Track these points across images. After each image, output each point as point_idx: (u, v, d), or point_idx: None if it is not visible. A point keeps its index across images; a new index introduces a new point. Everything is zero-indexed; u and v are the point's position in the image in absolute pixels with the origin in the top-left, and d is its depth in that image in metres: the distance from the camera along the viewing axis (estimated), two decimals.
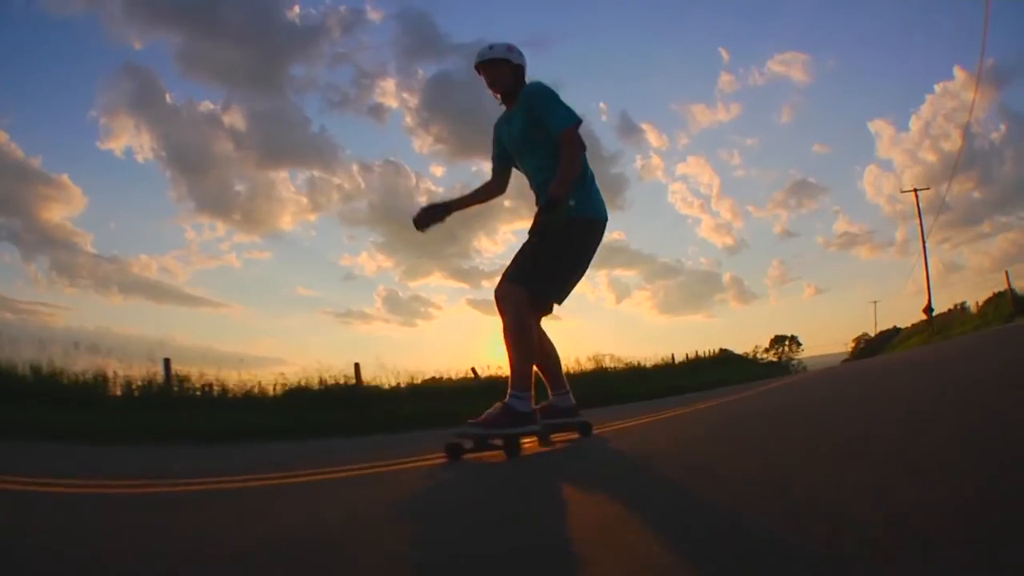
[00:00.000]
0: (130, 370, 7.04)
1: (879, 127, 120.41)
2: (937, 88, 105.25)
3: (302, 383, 8.11)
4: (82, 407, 6.00)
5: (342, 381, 8.47)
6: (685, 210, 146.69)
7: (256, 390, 7.77)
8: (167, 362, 7.13)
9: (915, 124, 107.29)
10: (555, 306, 2.79)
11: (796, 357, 41.33)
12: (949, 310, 26.31)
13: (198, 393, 7.29)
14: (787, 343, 46.76)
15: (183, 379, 7.24)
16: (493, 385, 8.39)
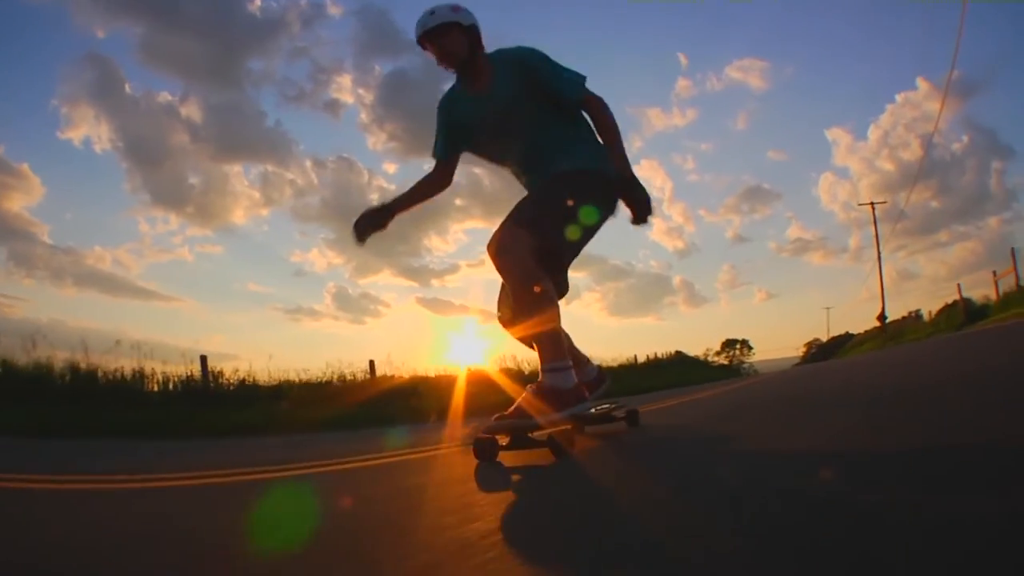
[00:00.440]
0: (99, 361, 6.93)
1: (837, 135, 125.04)
2: (898, 98, 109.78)
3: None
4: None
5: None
6: None
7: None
8: (204, 359, 7.41)
9: (874, 133, 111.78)
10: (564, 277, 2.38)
11: (747, 360, 42.36)
12: (903, 317, 27.49)
13: (231, 388, 7.60)
14: (738, 347, 47.78)
15: (217, 375, 7.55)
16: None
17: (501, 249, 2.12)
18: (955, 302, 18.28)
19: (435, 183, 2.59)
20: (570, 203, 2.21)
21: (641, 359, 17.38)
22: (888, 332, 25.00)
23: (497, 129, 2.39)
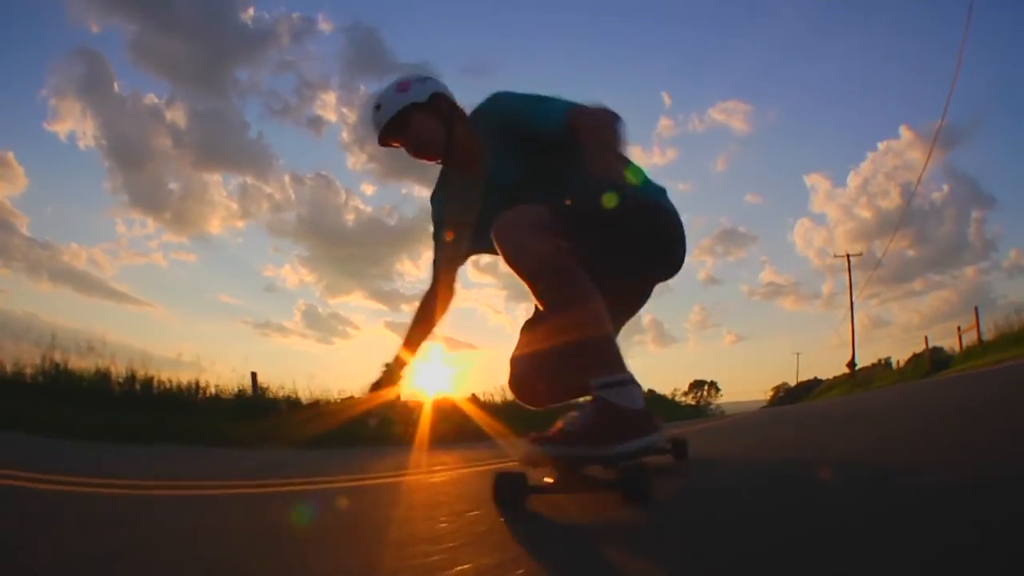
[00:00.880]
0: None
1: (815, 181, 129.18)
2: (880, 146, 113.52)
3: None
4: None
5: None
6: None
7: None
8: (254, 376, 7.83)
9: (853, 180, 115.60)
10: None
11: (714, 402, 42.87)
12: (872, 364, 28.26)
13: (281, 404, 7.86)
14: (706, 387, 48.36)
15: (264, 389, 7.93)
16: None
17: (502, 229, 1.52)
18: (922, 352, 18.97)
19: (442, 300, 1.99)
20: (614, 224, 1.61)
21: None
22: (857, 379, 25.60)
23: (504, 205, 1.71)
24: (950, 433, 2.31)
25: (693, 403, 36.07)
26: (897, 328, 76.32)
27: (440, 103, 1.81)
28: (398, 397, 1.91)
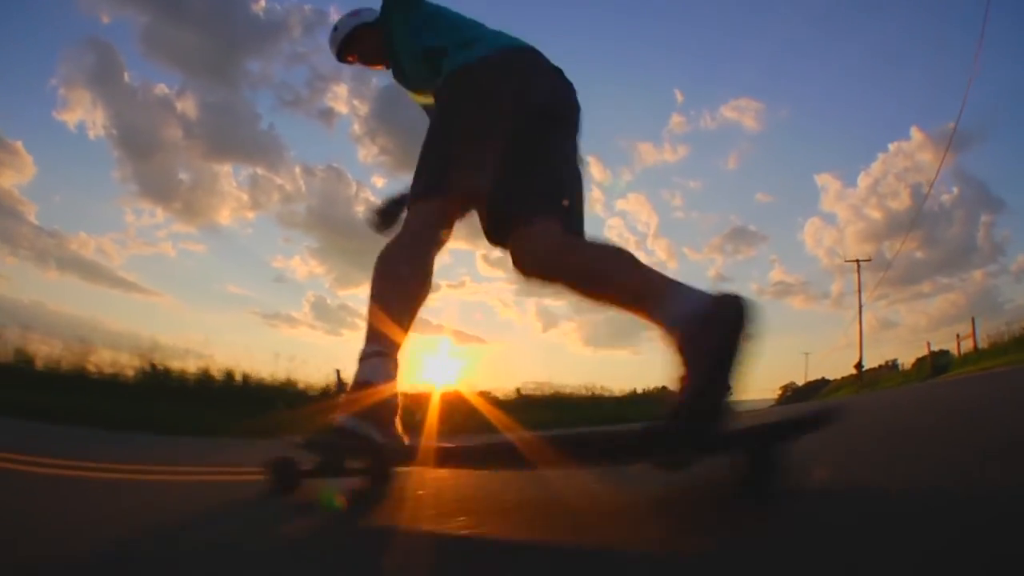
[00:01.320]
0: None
1: (826, 181, 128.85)
2: (891, 147, 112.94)
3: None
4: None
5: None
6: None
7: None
8: (338, 372, 7.76)
9: (863, 181, 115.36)
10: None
11: None
12: (879, 366, 29.51)
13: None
14: None
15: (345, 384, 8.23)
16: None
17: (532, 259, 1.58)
18: (925, 356, 20.50)
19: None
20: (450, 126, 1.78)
21: (625, 391, 18.57)
22: (864, 380, 26.80)
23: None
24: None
25: None
26: (905, 330, 76.83)
27: (384, 20, 2.06)
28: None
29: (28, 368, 6.92)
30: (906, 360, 26.35)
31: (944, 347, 20.61)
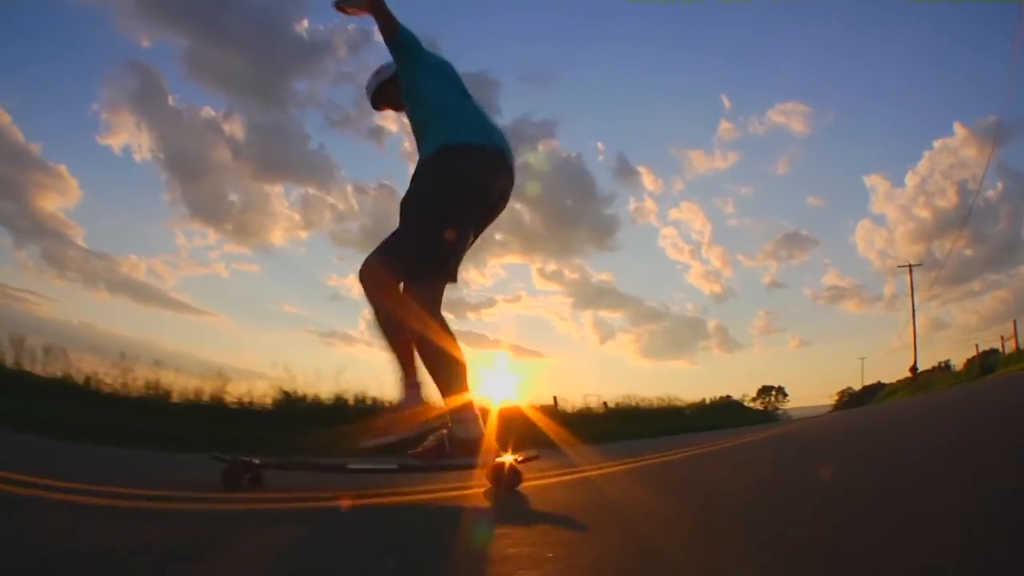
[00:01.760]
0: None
1: (874, 182, 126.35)
2: (936, 144, 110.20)
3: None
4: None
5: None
6: (675, 255, 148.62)
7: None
8: None
9: (911, 180, 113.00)
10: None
11: (781, 407, 44.52)
12: (933, 368, 30.61)
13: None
14: (774, 393, 50.25)
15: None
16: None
17: (364, 279, 2.56)
18: (974, 357, 21.99)
19: None
20: (431, 207, 2.36)
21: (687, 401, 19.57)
22: (918, 382, 27.81)
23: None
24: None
25: (762, 408, 37.50)
26: (956, 330, 75.03)
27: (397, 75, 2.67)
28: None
29: (162, 399, 6.80)
30: (958, 360, 27.33)
31: (993, 346, 22.15)
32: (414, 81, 2.55)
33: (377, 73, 2.76)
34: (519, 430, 6.63)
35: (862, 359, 64.03)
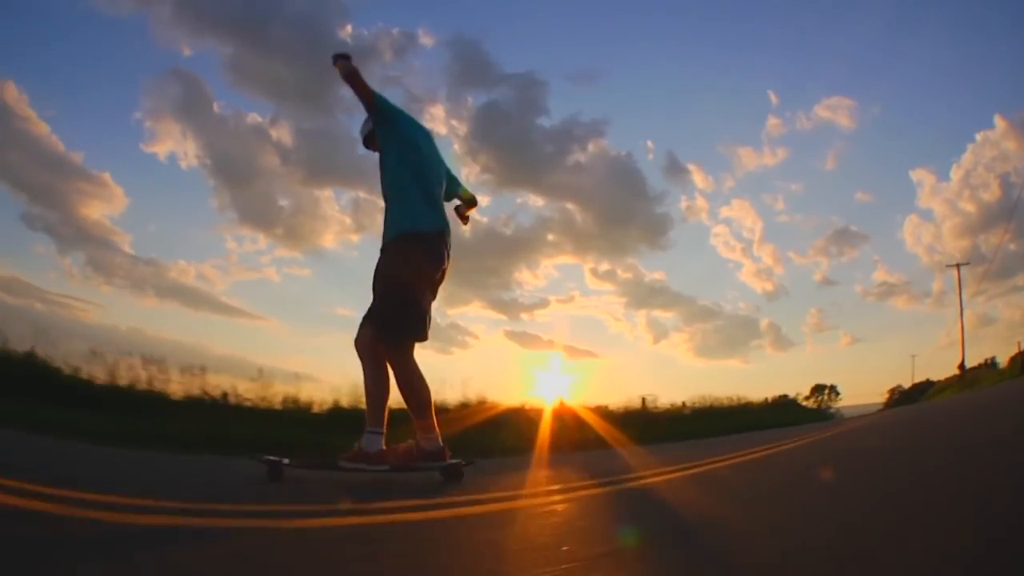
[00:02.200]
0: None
1: (920, 176, 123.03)
2: (978, 137, 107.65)
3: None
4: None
5: None
6: (727, 254, 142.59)
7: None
8: (643, 400, 8.86)
9: (956, 174, 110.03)
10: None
11: (834, 406, 44.91)
12: (979, 364, 31.20)
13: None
14: (827, 391, 50.80)
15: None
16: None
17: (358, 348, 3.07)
18: (1016, 354, 23.46)
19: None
20: (392, 284, 3.00)
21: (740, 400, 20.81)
22: (965, 380, 28.58)
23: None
24: None
25: (815, 406, 37.96)
26: (1002, 326, 73.00)
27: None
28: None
29: (303, 410, 7.05)
30: (1003, 357, 27.85)
31: None
32: (385, 155, 3.10)
33: (366, 122, 3.20)
34: (638, 425, 8.07)
35: (913, 356, 63.36)
